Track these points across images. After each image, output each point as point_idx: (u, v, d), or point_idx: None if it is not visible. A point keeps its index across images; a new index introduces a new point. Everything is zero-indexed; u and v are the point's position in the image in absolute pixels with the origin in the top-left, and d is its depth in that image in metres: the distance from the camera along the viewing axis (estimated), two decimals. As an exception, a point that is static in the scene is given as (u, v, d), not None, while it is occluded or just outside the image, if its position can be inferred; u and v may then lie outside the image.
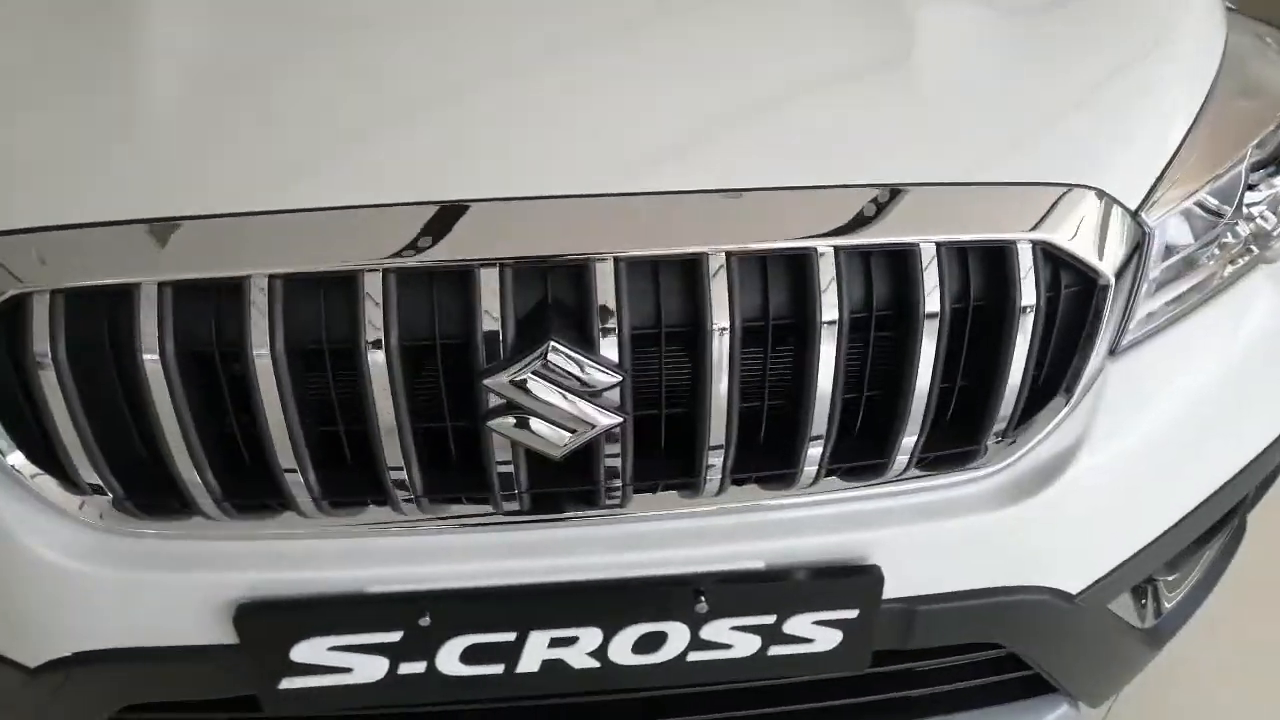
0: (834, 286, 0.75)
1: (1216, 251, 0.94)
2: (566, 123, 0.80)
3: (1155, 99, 0.90)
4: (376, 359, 0.73)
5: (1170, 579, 1.12)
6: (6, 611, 0.82)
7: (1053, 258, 0.80)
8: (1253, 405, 0.99)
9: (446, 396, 0.77)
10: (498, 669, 0.84)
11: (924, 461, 0.85)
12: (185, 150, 0.77)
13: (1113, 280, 0.82)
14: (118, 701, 0.86)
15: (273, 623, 0.80)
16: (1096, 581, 0.94)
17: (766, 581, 0.83)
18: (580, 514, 0.82)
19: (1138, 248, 0.85)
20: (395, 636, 0.81)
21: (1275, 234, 0.99)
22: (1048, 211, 0.80)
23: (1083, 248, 0.80)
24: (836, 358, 0.77)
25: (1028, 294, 0.79)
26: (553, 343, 0.73)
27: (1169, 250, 0.90)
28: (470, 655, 0.83)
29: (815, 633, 0.85)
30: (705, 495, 0.83)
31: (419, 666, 0.83)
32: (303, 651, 0.81)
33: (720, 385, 0.76)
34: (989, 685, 1.02)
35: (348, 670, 0.83)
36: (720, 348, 0.75)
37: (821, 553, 0.84)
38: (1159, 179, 0.87)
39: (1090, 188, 0.82)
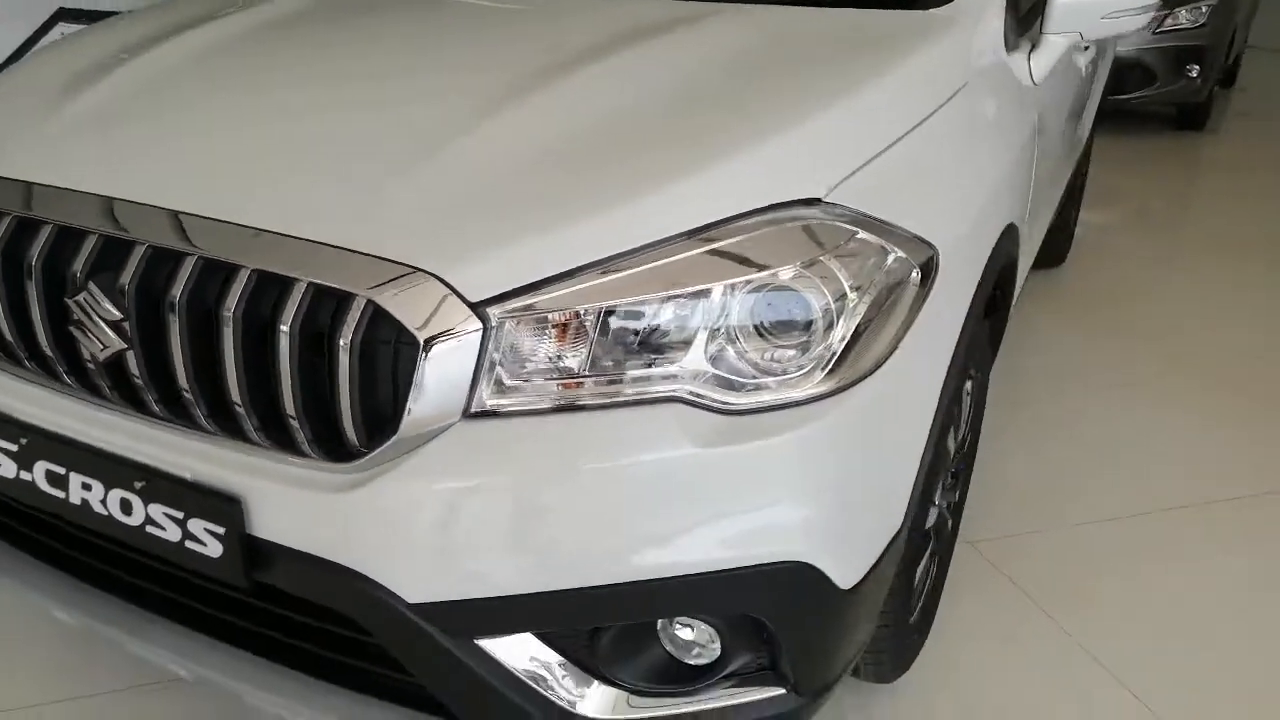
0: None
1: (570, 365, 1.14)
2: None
3: (551, 217, 1.16)
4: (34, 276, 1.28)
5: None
6: None
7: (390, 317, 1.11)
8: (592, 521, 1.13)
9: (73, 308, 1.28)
10: (62, 494, 1.31)
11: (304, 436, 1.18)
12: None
13: (422, 343, 1.09)
14: None
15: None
16: (436, 604, 1.15)
17: (172, 481, 1.21)
18: (107, 402, 1.28)
19: (482, 333, 1.11)
20: (13, 447, 1.33)
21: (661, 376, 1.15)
22: (392, 281, 1.11)
23: (404, 313, 1.10)
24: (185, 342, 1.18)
25: (347, 334, 1.11)
26: (91, 283, 1.22)
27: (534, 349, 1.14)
28: (49, 478, 1.32)
29: (206, 538, 1.20)
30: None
31: (28, 476, 1.33)
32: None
33: (175, 347, 1.20)
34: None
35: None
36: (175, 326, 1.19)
37: (216, 479, 1.20)
38: (527, 288, 1.12)
39: (430, 273, 1.11)
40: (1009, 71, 1.88)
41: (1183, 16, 6.48)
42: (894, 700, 1.80)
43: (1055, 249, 3.95)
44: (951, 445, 1.72)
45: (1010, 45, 1.89)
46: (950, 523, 1.96)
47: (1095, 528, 2.37)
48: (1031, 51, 2.02)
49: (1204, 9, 6.48)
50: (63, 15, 3.74)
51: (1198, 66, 6.49)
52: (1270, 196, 5.99)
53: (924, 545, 1.68)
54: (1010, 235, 1.71)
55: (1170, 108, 6.96)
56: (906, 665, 1.80)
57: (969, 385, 1.80)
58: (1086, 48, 2.74)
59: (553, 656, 1.22)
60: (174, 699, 1.74)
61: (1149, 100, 6.64)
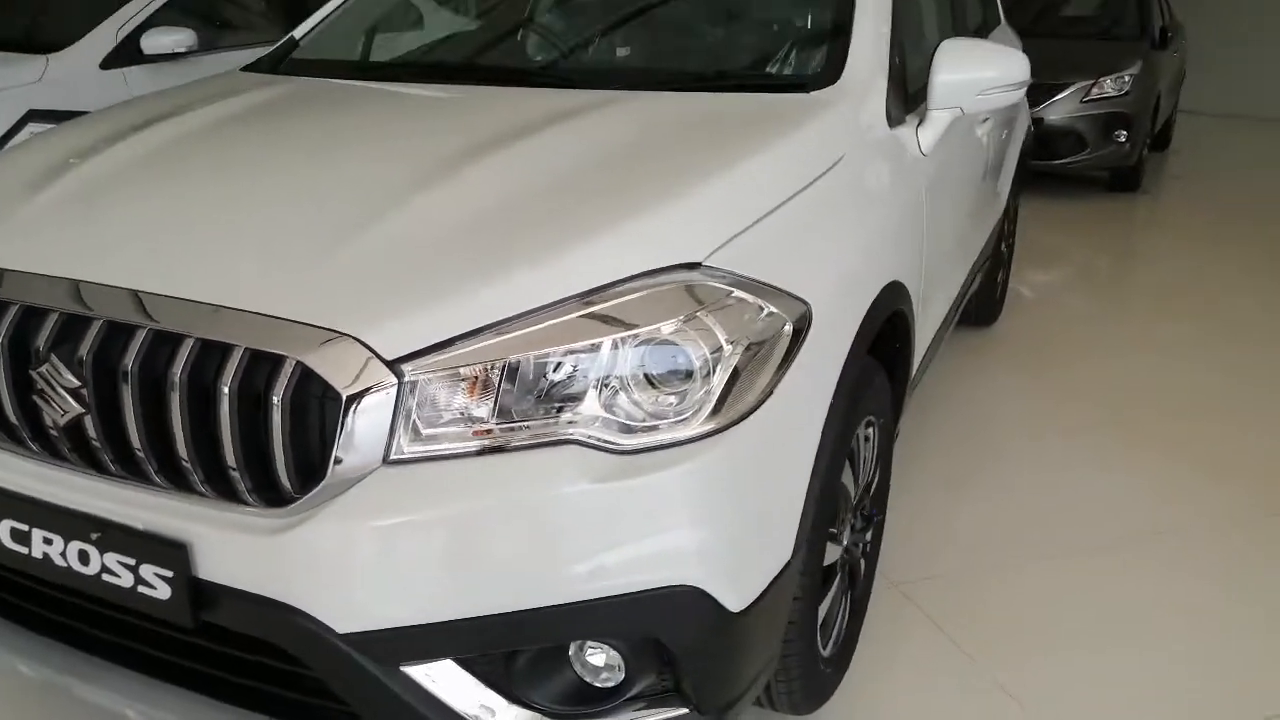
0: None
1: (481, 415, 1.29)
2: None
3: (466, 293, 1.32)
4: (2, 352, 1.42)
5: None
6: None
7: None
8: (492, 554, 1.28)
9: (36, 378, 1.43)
10: (25, 549, 1.43)
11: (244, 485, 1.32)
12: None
13: (344, 398, 1.24)
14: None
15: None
16: (363, 633, 1.28)
17: (125, 531, 1.34)
18: (63, 463, 1.42)
19: (398, 387, 1.26)
20: (-25, 508, 1.46)
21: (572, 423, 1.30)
22: (319, 345, 1.27)
23: (329, 372, 1.25)
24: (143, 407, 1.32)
25: (279, 392, 1.26)
26: (53, 355, 1.37)
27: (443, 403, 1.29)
28: (13, 535, 1.44)
29: (156, 582, 1.33)
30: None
31: (-6, 536, 1.46)
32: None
33: (128, 410, 1.34)
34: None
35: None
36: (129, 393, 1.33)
37: (165, 528, 1.33)
38: (437, 346, 1.27)
39: (351, 336, 1.26)
40: (895, 143, 2.08)
41: (1108, 86, 6.84)
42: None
43: (985, 309, 4.16)
44: (852, 487, 1.88)
45: (895, 120, 2.10)
46: (864, 564, 2.10)
47: (1017, 569, 2.52)
48: (920, 125, 2.23)
49: (1127, 78, 6.85)
50: (33, 116, 3.95)
51: (1125, 132, 6.84)
52: (1197, 254, 6.29)
53: (827, 581, 1.81)
54: (896, 291, 1.89)
55: (1104, 172, 7.30)
56: (822, 699, 1.92)
57: (871, 431, 1.96)
58: (985, 119, 2.98)
59: (471, 681, 1.35)
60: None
61: (1083, 165, 6.97)
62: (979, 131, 2.94)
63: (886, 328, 1.90)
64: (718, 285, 1.41)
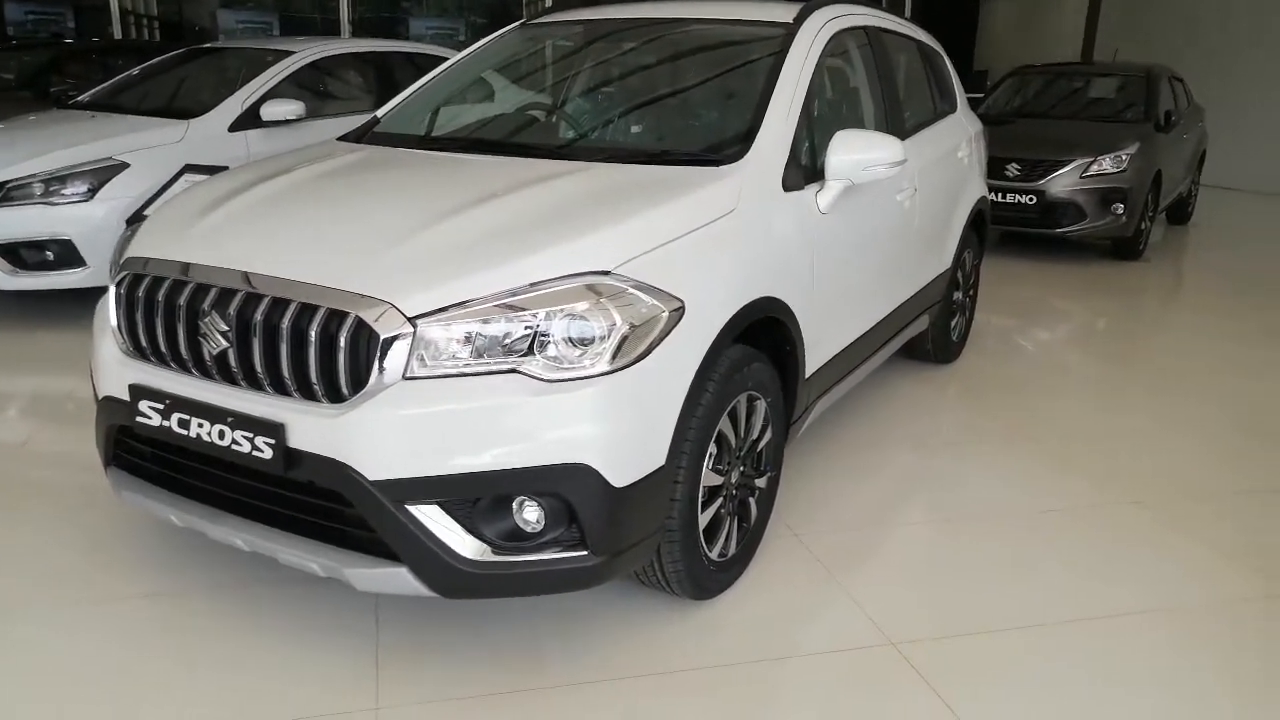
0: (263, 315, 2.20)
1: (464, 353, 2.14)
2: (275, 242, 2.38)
3: (470, 274, 2.18)
4: (180, 306, 2.35)
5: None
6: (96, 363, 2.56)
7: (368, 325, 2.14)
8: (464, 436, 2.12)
9: (202, 326, 2.34)
10: (185, 432, 2.33)
11: (320, 390, 2.19)
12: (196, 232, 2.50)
13: (382, 339, 2.11)
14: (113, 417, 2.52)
15: (133, 389, 2.41)
16: (385, 480, 2.13)
17: (248, 418, 2.23)
18: (211, 379, 2.32)
19: (413, 334, 2.13)
20: (160, 406, 2.36)
21: (522, 356, 2.14)
22: (370, 307, 2.14)
23: (375, 324, 2.13)
24: (266, 346, 2.20)
25: (344, 335, 2.14)
26: (215, 310, 2.28)
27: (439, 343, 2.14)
28: (179, 423, 2.34)
29: (264, 448, 2.21)
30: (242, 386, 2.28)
31: (167, 423, 2.36)
32: (144, 407, 2.40)
33: (255, 345, 2.24)
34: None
35: (152, 419, 2.38)
36: (257, 326, 2.23)
37: (271, 415, 2.21)
38: (439, 310, 2.14)
39: (389, 303, 2.14)
40: (789, 202, 2.91)
41: (1105, 163, 7.54)
42: (708, 609, 2.69)
43: (942, 349, 4.88)
44: (733, 436, 2.66)
45: (791, 187, 2.92)
46: (755, 506, 2.87)
47: (904, 530, 3.26)
48: (819, 191, 3.05)
49: (1124, 156, 7.54)
50: (188, 168, 5.03)
51: (1122, 205, 7.52)
52: (1167, 315, 6.90)
53: (709, 499, 2.59)
54: (771, 302, 2.69)
55: (1106, 240, 7.96)
56: (710, 592, 2.70)
57: (759, 405, 2.75)
58: (904, 188, 3.77)
59: (449, 519, 2.18)
60: (252, 597, 2.70)
61: (1082, 233, 7.66)
62: (899, 197, 3.74)
63: (767, 329, 2.72)
64: (617, 284, 2.25)
